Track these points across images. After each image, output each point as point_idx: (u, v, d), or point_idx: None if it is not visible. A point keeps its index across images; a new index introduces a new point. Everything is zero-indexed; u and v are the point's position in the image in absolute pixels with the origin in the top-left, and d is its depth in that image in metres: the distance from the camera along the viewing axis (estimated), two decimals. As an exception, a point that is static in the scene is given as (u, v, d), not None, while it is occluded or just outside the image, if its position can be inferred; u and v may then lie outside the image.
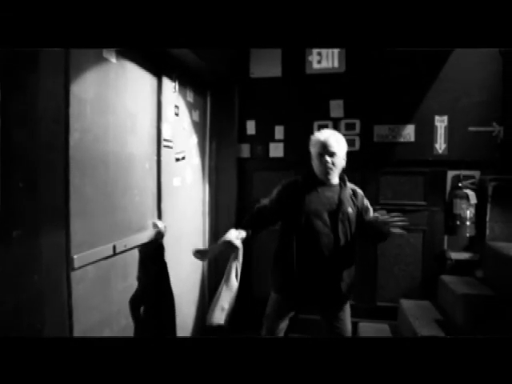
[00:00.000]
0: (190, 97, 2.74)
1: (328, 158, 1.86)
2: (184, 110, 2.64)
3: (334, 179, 1.92)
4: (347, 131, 2.99)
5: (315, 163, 1.92)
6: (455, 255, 2.81)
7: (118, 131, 1.85)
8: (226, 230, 1.87)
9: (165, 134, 2.32)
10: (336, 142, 1.89)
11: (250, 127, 3.15)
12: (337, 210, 1.86)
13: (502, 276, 2.37)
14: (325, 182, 1.91)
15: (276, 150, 3.12)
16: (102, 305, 1.72)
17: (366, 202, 1.97)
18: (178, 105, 2.52)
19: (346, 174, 1.97)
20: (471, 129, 2.83)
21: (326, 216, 1.86)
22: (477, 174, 2.84)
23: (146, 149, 2.14)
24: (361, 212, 1.92)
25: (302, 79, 3.07)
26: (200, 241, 2.99)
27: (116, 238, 1.82)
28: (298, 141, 3.01)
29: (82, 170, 1.59)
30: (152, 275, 2.09)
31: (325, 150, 1.87)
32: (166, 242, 2.32)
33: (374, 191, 2.93)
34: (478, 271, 2.70)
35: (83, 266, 1.57)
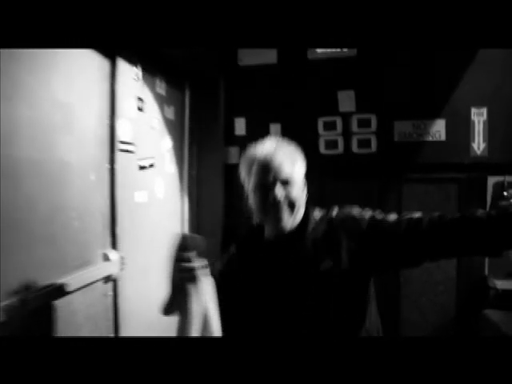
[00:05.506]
0: (161, 88, 2.24)
1: (279, 191, 1.10)
2: (152, 105, 2.15)
3: (293, 223, 1.14)
4: (360, 129, 2.58)
5: (255, 202, 1.15)
6: (501, 284, 2.35)
7: (38, 129, 1.33)
8: (210, 255, 1.19)
9: (122, 135, 1.81)
10: (288, 159, 1.15)
11: (239, 126, 2.76)
12: (298, 276, 1.09)
13: None
14: (275, 232, 1.16)
15: (272, 154, 2.69)
16: None
17: (373, 216, 1.12)
18: (142, 97, 2.01)
19: (359, 183, 1.34)
20: (517, 124, 2.41)
21: (283, 296, 1.11)
22: (525, 180, 2.43)
23: (90, 154, 1.62)
24: (371, 239, 1.08)
25: (302, 66, 2.66)
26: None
27: (39, 280, 1.28)
28: (299, 142, 2.50)
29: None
30: None
31: (271, 176, 1.11)
32: (126, 277, 1.81)
33: (394, 203, 2.52)
34: (531, 305, 2.25)
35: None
